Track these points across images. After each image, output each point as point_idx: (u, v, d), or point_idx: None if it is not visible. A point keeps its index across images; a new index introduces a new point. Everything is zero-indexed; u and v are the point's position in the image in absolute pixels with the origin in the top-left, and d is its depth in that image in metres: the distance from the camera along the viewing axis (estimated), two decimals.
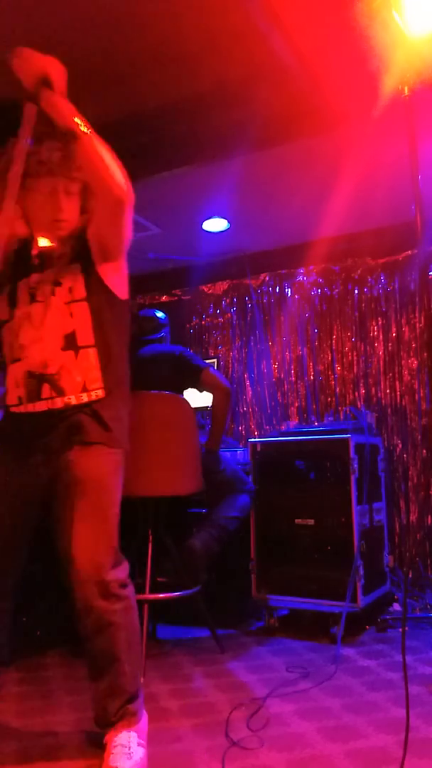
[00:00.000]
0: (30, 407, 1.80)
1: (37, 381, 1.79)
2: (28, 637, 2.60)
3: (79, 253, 1.86)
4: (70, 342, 1.79)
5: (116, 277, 1.90)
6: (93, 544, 1.70)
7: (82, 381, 1.79)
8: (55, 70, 1.66)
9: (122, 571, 1.75)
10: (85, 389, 1.78)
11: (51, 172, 1.81)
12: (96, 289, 1.85)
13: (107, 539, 1.73)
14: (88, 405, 1.78)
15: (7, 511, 1.83)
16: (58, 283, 1.83)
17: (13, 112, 2.68)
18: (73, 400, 1.78)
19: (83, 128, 1.67)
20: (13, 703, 2.19)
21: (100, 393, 1.79)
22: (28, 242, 1.91)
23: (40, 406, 1.79)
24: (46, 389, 1.79)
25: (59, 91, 1.66)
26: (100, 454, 1.77)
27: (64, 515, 1.74)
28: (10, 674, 2.44)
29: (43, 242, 1.89)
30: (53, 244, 1.88)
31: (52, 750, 1.81)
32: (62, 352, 1.79)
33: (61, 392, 1.78)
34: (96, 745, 1.75)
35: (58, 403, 1.78)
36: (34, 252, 1.89)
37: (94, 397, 1.79)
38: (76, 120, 1.67)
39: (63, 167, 1.81)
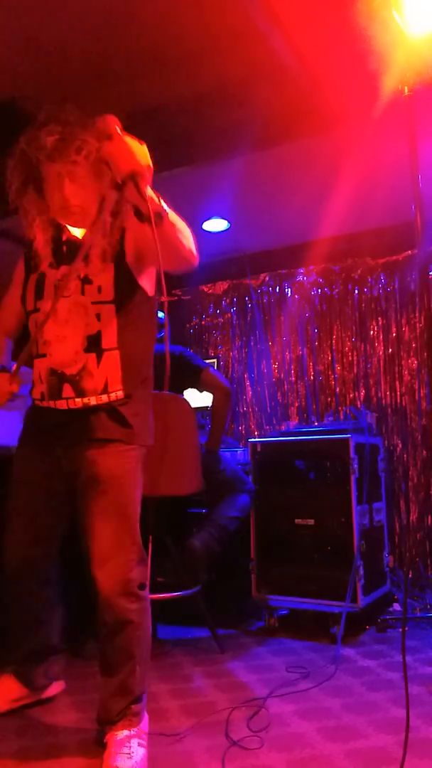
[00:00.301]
0: (51, 404, 1.82)
1: (58, 380, 1.80)
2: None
3: (114, 254, 1.83)
4: (94, 344, 1.79)
5: (147, 276, 1.90)
6: (116, 542, 1.73)
7: (104, 383, 1.79)
8: (148, 169, 1.55)
9: (143, 572, 1.78)
10: (105, 391, 1.79)
11: (50, 158, 1.77)
12: (126, 289, 1.84)
13: (130, 537, 1.75)
14: (107, 404, 1.80)
15: (32, 500, 1.89)
16: (88, 281, 1.82)
17: (10, 111, 2.69)
18: (93, 401, 1.79)
19: (165, 213, 1.63)
20: None
21: (120, 394, 1.80)
22: (58, 232, 1.90)
23: (61, 405, 1.81)
24: (67, 389, 1.80)
25: (145, 185, 1.56)
26: (119, 452, 1.79)
27: (85, 513, 1.77)
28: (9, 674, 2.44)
29: (74, 232, 1.87)
30: (83, 233, 1.86)
31: (52, 750, 1.81)
32: (85, 353, 1.78)
33: (81, 393, 1.79)
34: (96, 744, 1.75)
35: (78, 403, 1.79)
36: (63, 239, 1.89)
37: (114, 398, 1.80)
38: (160, 204, 1.62)
39: (61, 151, 1.75)
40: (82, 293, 1.81)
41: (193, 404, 2.80)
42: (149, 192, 1.57)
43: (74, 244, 1.87)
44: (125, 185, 1.55)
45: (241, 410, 4.48)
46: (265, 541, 3.12)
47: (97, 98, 2.66)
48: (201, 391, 3.04)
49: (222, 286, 4.69)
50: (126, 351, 1.82)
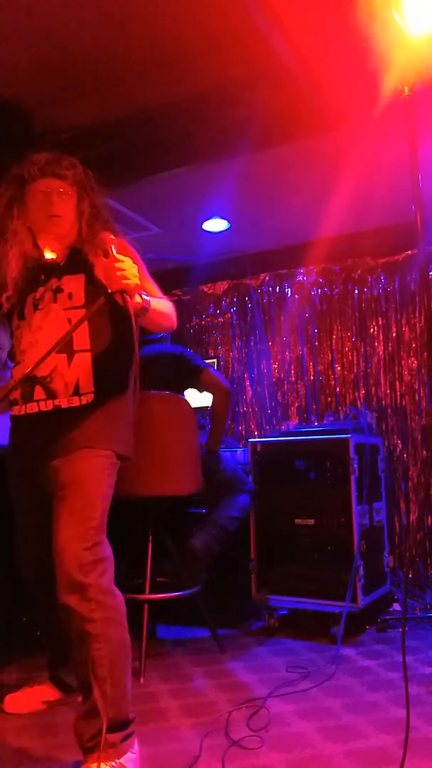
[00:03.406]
0: (24, 409, 1.83)
1: (30, 382, 1.82)
2: (28, 637, 2.60)
3: (83, 266, 1.88)
4: (65, 346, 1.80)
5: None
6: (72, 544, 1.63)
7: (74, 385, 1.79)
8: (136, 288, 1.67)
9: (106, 578, 1.65)
10: (77, 392, 1.79)
11: (42, 172, 1.91)
12: (97, 295, 1.83)
13: (85, 541, 1.64)
14: (77, 408, 1.78)
15: (29, 516, 1.92)
16: (60, 290, 1.88)
17: (10, 111, 2.69)
18: (63, 404, 1.78)
19: (149, 304, 1.75)
20: None
21: (91, 397, 1.79)
22: (37, 260, 1.96)
23: (32, 408, 1.81)
24: (38, 391, 1.81)
25: (132, 300, 1.69)
26: (84, 457, 1.76)
27: (53, 519, 1.72)
28: (9, 674, 2.44)
29: (48, 255, 1.93)
30: (55, 255, 1.93)
31: (52, 750, 1.81)
32: (56, 354, 1.79)
33: (51, 395, 1.79)
34: None
35: (48, 405, 1.79)
36: (39, 264, 1.95)
37: (84, 401, 1.79)
38: (144, 299, 1.74)
39: (53, 166, 1.91)
40: (54, 301, 1.87)
41: (193, 404, 2.80)
42: (136, 299, 1.70)
43: (49, 267, 1.93)
44: (113, 294, 1.67)
45: (241, 410, 4.48)
46: (265, 541, 3.12)
47: (97, 98, 2.66)
48: (201, 391, 3.04)
49: (222, 286, 4.69)
50: (98, 354, 1.83)
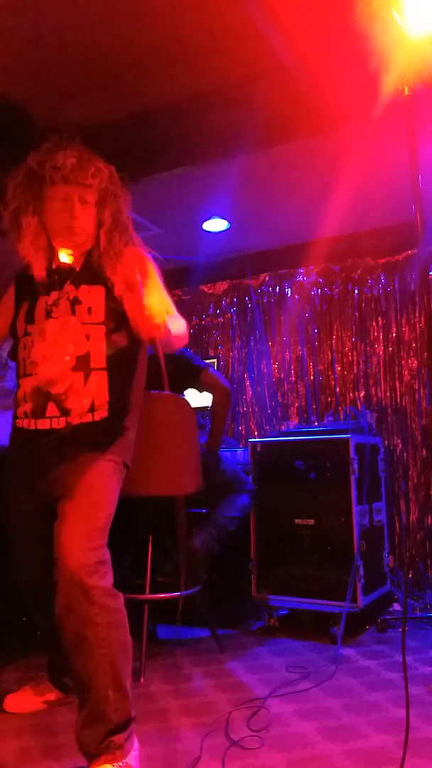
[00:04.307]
0: (33, 423, 1.80)
1: (43, 398, 1.79)
2: (27, 637, 2.60)
3: (102, 278, 1.85)
4: (82, 363, 1.78)
5: None
6: (77, 542, 1.61)
7: (90, 403, 1.77)
8: (164, 332, 1.60)
9: (108, 580, 1.64)
10: (91, 410, 1.77)
11: (66, 179, 1.83)
12: (116, 312, 1.83)
13: (91, 540, 1.63)
14: (90, 423, 1.77)
15: (29, 528, 1.89)
16: (78, 302, 1.83)
17: (10, 111, 2.68)
18: (76, 421, 1.77)
19: (169, 333, 1.65)
20: None
21: (105, 414, 1.78)
22: (50, 258, 1.91)
23: (42, 424, 1.78)
24: (51, 407, 1.78)
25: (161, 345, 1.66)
26: (92, 460, 1.75)
27: (58, 519, 1.70)
28: (9, 674, 2.44)
29: (63, 258, 1.89)
30: (72, 259, 1.89)
31: (52, 750, 1.82)
32: (72, 372, 1.77)
33: (65, 413, 1.77)
34: None
35: (61, 422, 1.77)
36: (54, 266, 1.90)
37: (97, 418, 1.78)
38: (167, 329, 1.64)
39: (78, 174, 1.83)
40: (73, 313, 1.82)
41: (193, 404, 2.80)
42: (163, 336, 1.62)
43: (64, 271, 1.89)
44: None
45: (241, 410, 4.48)
46: (265, 541, 3.12)
47: (97, 98, 2.66)
48: (201, 391, 3.04)
49: (222, 286, 4.68)
50: (114, 374, 1.81)
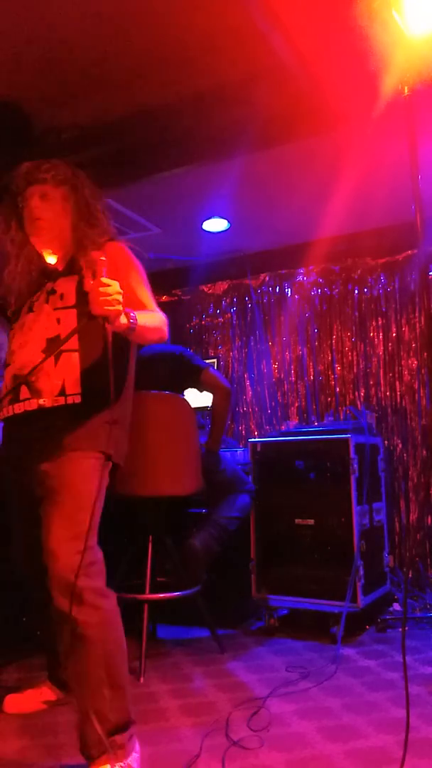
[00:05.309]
0: (11, 410, 1.82)
1: (17, 383, 1.81)
2: (27, 637, 2.60)
3: (78, 269, 1.90)
4: (52, 346, 1.79)
5: None
6: (64, 547, 1.61)
7: (60, 385, 1.77)
8: (116, 314, 1.59)
9: (99, 580, 1.64)
10: (62, 393, 1.77)
11: (27, 181, 1.94)
12: (87, 298, 1.84)
13: (76, 542, 1.61)
14: (63, 408, 1.76)
15: (23, 516, 1.90)
16: (53, 292, 1.89)
17: (10, 111, 2.68)
18: (47, 403, 1.76)
19: (135, 323, 1.67)
20: None
21: (78, 398, 1.77)
22: (41, 266, 1.98)
23: (18, 408, 1.80)
24: (24, 390, 1.80)
25: (115, 324, 1.63)
26: (73, 460, 1.74)
27: (44, 523, 1.70)
28: (9, 674, 2.44)
29: (49, 259, 1.96)
30: (56, 259, 1.96)
31: (52, 750, 1.82)
32: (42, 354, 1.79)
33: (36, 394, 1.78)
34: None
35: (33, 404, 1.77)
36: (44, 270, 1.97)
37: (70, 401, 1.77)
38: (130, 318, 1.66)
39: (33, 172, 1.93)
40: (46, 302, 1.88)
41: (193, 404, 2.80)
42: (122, 320, 1.62)
43: (49, 272, 1.95)
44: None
45: (241, 410, 4.48)
46: (265, 541, 3.12)
47: (97, 98, 2.66)
48: (201, 391, 3.04)
49: (222, 286, 4.68)
50: (87, 354, 1.80)
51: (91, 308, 1.58)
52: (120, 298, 1.58)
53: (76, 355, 1.80)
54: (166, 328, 1.89)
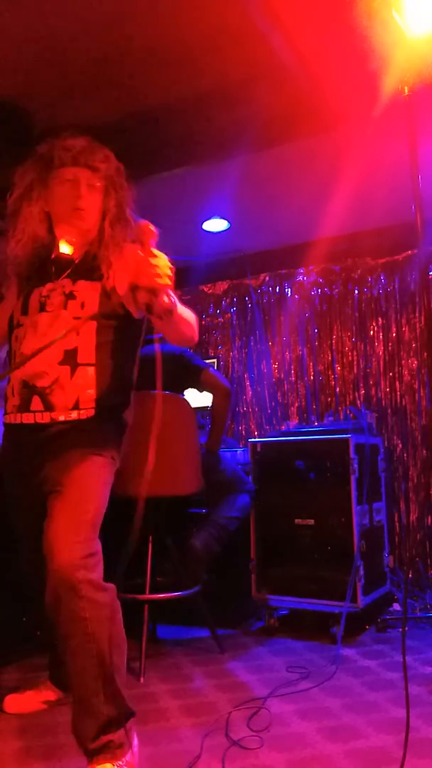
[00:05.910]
0: (19, 417, 1.78)
1: (29, 392, 1.77)
2: (27, 637, 2.60)
3: (99, 274, 1.83)
4: (70, 358, 1.76)
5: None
6: (63, 536, 1.58)
7: (75, 399, 1.75)
8: (165, 288, 1.53)
9: (97, 573, 1.59)
10: (76, 407, 1.74)
11: (75, 160, 1.82)
12: (110, 308, 1.81)
13: (75, 533, 1.59)
14: (76, 421, 1.75)
15: (28, 525, 1.85)
16: (72, 297, 1.81)
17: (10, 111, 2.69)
18: (61, 418, 1.74)
19: (175, 305, 1.61)
20: None
21: (91, 412, 1.75)
22: (49, 248, 1.89)
23: (27, 418, 1.77)
24: (35, 401, 1.76)
25: (161, 299, 1.56)
26: (81, 455, 1.73)
27: (47, 515, 1.67)
28: (9, 674, 2.44)
29: (63, 249, 1.86)
30: (72, 250, 1.86)
31: (52, 750, 1.82)
32: (59, 366, 1.75)
33: (49, 407, 1.74)
34: None
35: (45, 417, 1.75)
36: (52, 256, 1.87)
37: (83, 416, 1.75)
38: (171, 299, 1.60)
39: (87, 156, 1.82)
40: (65, 308, 1.79)
41: (193, 404, 2.80)
42: (164, 299, 1.55)
43: (63, 262, 1.85)
44: (140, 290, 1.52)
45: (241, 410, 4.48)
46: (265, 541, 3.12)
47: (97, 98, 2.66)
48: (201, 391, 3.04)
49: (222, 286, 4.68)
50: (102, 369, 1.78)
51: (137, 279, 1.49)
52: (170, 272, 1.50)
53: (92, 369, 1.77)
54: (197, 330, 1.83)
